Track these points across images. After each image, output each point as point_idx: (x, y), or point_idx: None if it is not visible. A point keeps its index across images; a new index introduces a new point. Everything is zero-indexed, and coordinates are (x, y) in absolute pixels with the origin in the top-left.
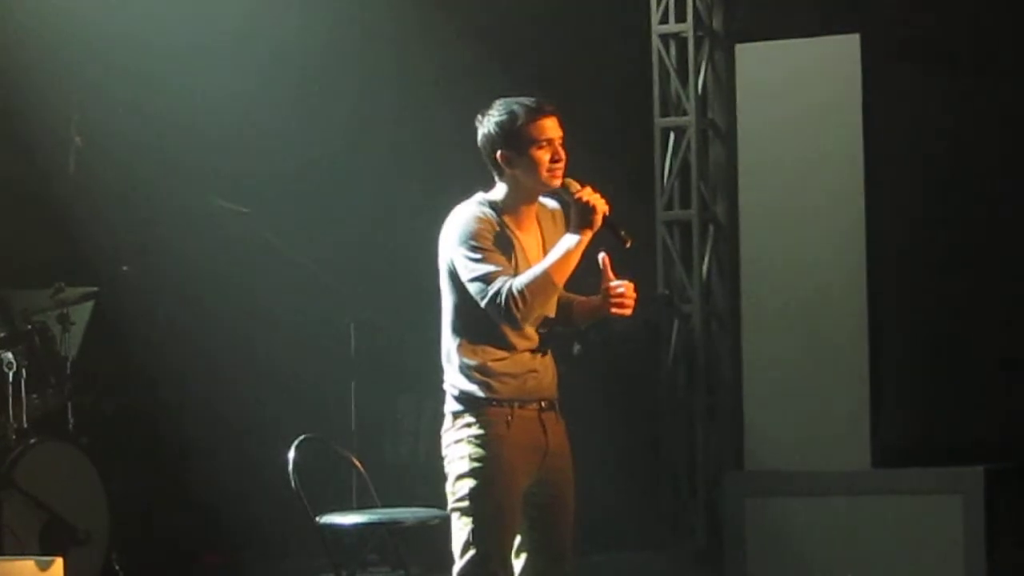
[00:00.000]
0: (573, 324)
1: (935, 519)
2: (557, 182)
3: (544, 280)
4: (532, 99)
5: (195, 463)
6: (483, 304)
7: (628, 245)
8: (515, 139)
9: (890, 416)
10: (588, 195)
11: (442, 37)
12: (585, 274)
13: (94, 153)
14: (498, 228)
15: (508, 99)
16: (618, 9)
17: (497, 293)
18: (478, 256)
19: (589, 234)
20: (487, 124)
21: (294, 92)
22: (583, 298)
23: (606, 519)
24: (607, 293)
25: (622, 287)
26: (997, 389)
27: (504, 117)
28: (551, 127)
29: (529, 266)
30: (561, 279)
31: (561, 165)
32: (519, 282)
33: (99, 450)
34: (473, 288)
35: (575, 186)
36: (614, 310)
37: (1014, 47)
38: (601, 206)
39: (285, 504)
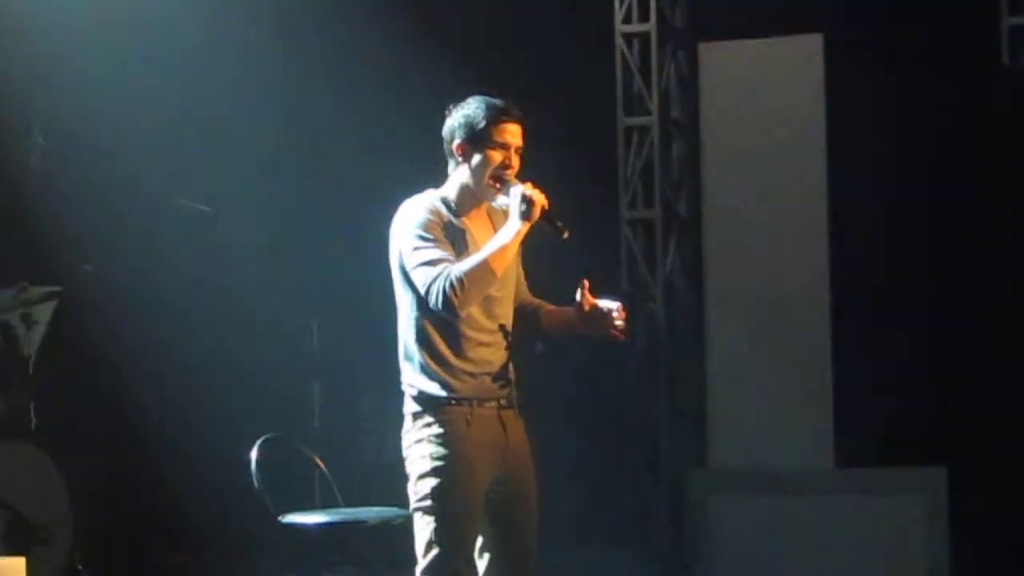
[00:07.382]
0: (543, 333)
1: (898, 519)
2: (497, 193)
3: (483, 269)
4: (502, 102)
5: (159, 462)
6: (423, 290)
7: (565, 236)
8: (475, 135)
9: (854, 415)
10: (527, 189)
11: (403, 37)
12: (570, 289)
13: (57, 152)
14: (448, 221)
15: (481, 97)
16: (581, 8)
17: (437, 279)
18: (425, 244)
19: (527, 225)
20: (455, 114)
21: (258, 92)
22: (553, 307)
23: (570, 518)
24: (590, 313)
25: (619, 312)
26: (961, 389)
27: (471, 112)
28: (512, 133)
29: None
30: (500, 268)
31: (511, 172)
32: (458, 269)
33: (62, 449)
34: (417, 275)
35: (513, 180)
36: (616, 335)
37: (976, 45)
38: (539, 200)
39: (249, 503)
